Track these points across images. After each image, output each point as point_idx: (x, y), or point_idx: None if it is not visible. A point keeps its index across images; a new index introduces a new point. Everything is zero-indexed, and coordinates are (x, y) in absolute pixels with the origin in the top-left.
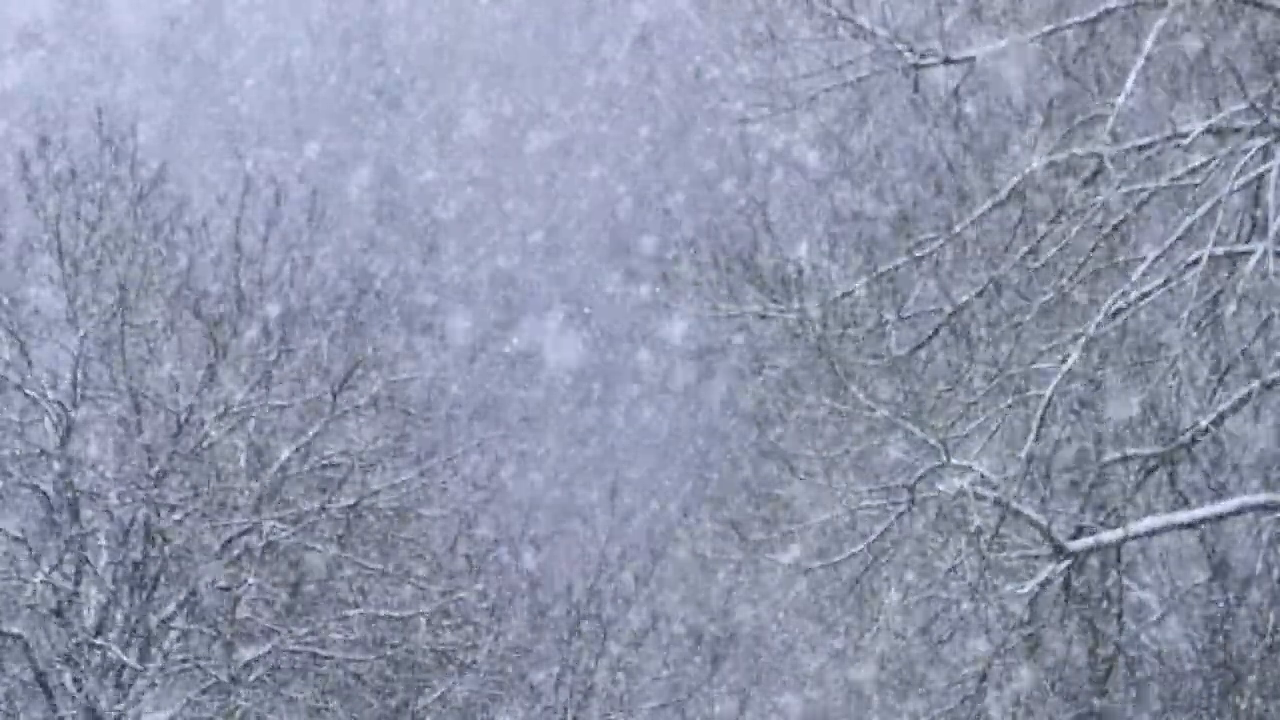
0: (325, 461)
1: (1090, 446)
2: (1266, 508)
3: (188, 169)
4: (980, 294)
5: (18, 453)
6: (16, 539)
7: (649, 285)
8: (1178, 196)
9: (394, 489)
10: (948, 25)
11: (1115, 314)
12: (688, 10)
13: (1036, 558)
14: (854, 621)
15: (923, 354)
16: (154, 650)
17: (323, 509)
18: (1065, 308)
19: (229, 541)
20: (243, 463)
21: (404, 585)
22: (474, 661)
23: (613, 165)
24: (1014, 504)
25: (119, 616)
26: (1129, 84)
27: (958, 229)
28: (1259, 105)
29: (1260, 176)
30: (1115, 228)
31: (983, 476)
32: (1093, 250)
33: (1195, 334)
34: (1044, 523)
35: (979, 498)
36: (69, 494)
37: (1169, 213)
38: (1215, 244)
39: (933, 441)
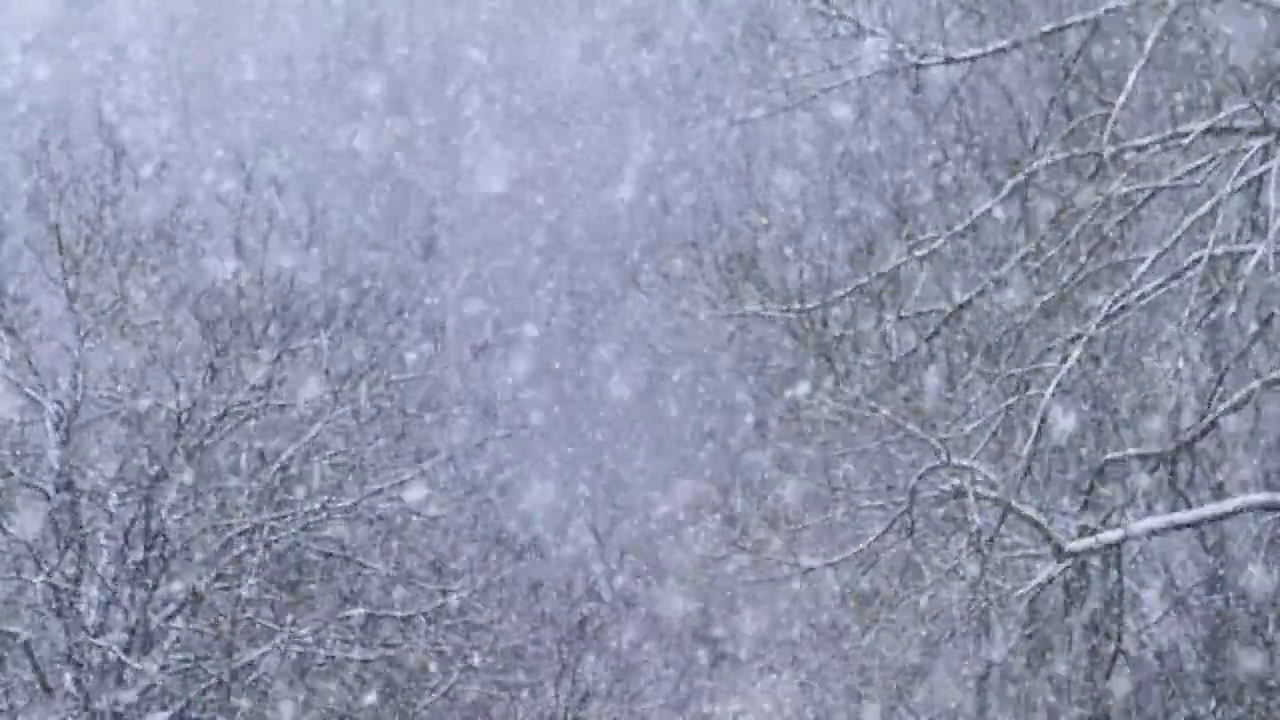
0: (326, 461)
1: (1090, 446)
2: (1266, 508)
3: (188, 169)
4: (980, 294)
5: (18, 453)
6: (16, 539)
7: (649, 285)
8: (1178, 196)
9: (394, 489)
10: (948, 25)
11: (1115, 314)
12: (688, 10)
13: (1036, 558)
14: (854, 621)
15: (923, 354)
16: (154, 650)
17: (323, 508)
18: (1065, 308)
19: (229, 541)
20: (243, 463)
21: (404, 585)
22: (474, 661)
23: (613, 165)
24: (1014, 504)
25: (119, 616)
26: (1129, 84)
27: (958, 229)
28: (1259, 105)
29: (1260, 176)
30: (1115, 227)
31: (983, 476)
32: (1093, 250)
33: (1195, 334)
34: (1044, 523)
35: (979, 498)
36: (69, 494)
37: (1169, 213)
38: (1215, 244)
39: (933, 441)
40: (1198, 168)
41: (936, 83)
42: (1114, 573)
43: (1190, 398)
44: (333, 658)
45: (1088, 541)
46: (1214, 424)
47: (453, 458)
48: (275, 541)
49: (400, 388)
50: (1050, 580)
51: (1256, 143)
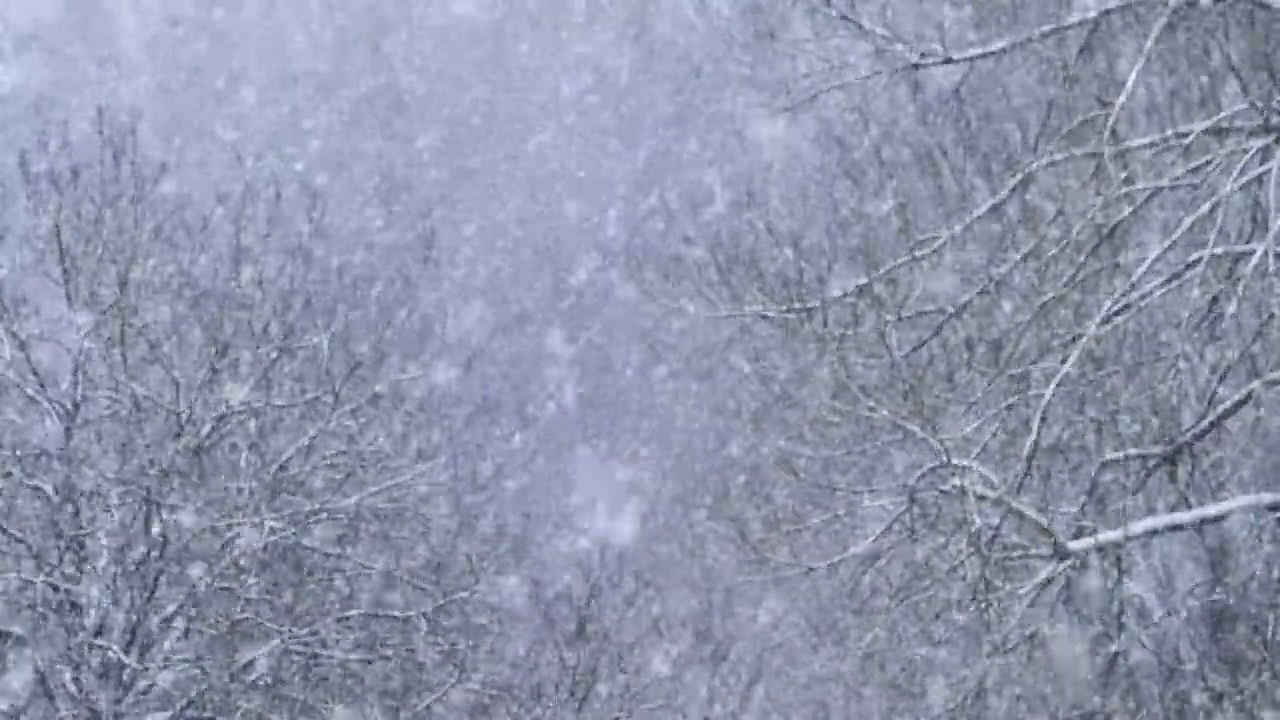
0: (326, 461)
1: (1090, 447)
2: (1267, 508)
3: (188, 169)
4: (980, 294)
5: (18, 453)
6: (17, 539)
7: (649, 285)
8: (1178, 196)
9: (394, 489)
10: (948, 25)
11: (1115, 314)
12: (688, 10)
13: (1036, 558)
14: (854, 622)
15: (923, 354)
16: (154, 650)
17: (323, 508)
18: (1065, 308)
19: (229, 541)
20: (243, 463)
21: (404, 585)
22: (474, 662)
23: (613, 165)
24: (1014, 504)
25: (119, 616)
26: (1129, 84)
27: (958, 229)
28: (1259, 105)
29: (1260, 176)
30: (1115, 228)
31: (983, 476)
32: (1093, 250)
33: (1195, 334)
34: (1044, 523)
35: (979, 498)
36: (69, 494)
37: (1169, 213)
38: (1215, 244)
39: (933, 441)
40: (1198, 168)
41: (936, 83)
42: (1114, 573)
43: (1190, 398)
44: (332, 658)
45: (1088, 541)
46: (1214, 424)
47: (452, 458)
48: (275, 542)
49: (400, 388)
50: (1050, 580)
51: (1256, 143)
